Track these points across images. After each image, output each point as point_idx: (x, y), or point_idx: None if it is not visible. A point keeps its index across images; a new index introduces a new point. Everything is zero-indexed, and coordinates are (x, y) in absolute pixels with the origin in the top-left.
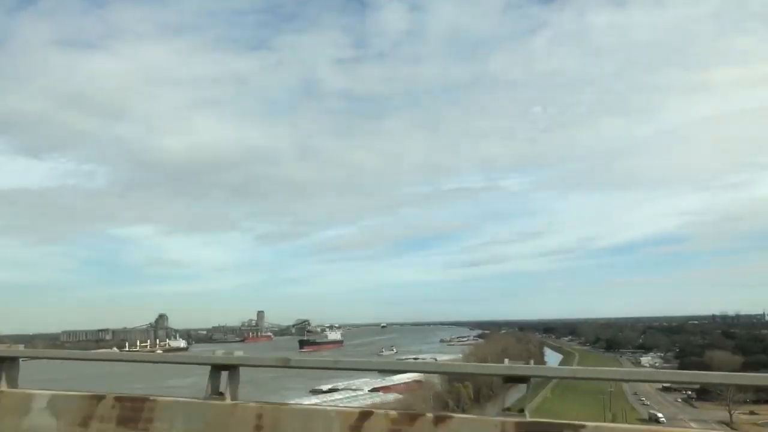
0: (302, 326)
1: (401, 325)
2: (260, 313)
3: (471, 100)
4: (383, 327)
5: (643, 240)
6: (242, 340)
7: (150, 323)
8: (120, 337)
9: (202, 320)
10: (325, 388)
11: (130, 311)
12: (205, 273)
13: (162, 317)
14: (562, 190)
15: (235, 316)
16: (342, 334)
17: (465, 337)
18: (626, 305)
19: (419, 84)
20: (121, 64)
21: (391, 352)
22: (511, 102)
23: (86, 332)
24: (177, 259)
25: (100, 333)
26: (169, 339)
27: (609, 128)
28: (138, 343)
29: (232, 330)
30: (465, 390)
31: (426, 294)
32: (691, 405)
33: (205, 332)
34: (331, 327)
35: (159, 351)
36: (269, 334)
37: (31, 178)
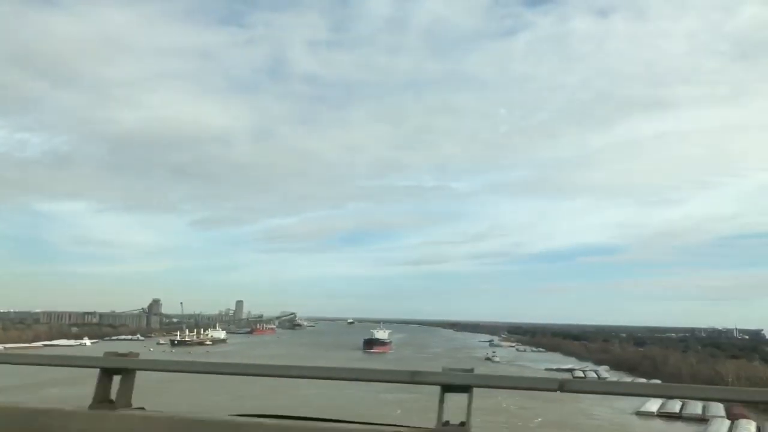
0: (290, 318)
1: (360, 321)
2: (239, 303)
3: (439, 97)
4: (350, 323)
5: (582, 248)
6: (250, 332)
7: (143, 308)
8: (108, 322)
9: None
10: (653, 408)
11: (68, 292)
12: (135, 256)
13: (156, 302)
14: (512, 195)
15: (200, 304)
16: (389, 334)
17: (494, 340)
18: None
19: (390, 75)
20: (79, 26)
21: (498, 359)
22: (477, 102)
23: (69, 314)
24: (106, 239)
25: (87, 316)
26: (211, 329)
27: (566, 137)
28: (187, 333)
29: (210, 318)
30: None
31: (367, 290)
32: None
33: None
34: (379, 323)
35: (208, 342)
36: (273, 326)
37: None
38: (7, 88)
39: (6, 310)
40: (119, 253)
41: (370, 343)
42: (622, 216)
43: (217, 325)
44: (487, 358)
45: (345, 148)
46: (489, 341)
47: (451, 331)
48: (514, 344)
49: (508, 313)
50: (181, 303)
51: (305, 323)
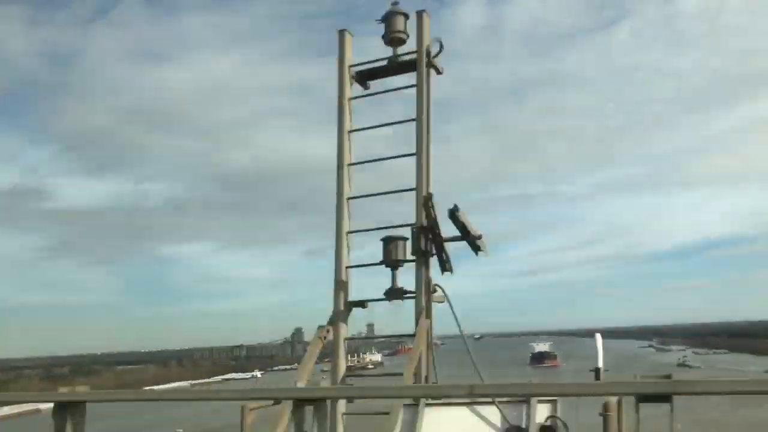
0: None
1: (494, 336)
2: (370, 326)
3: (541, 99)
4: (477, 338)
5: (709, 242)
6: (393, 353)
7: (285, 338)
8: (255, 354)
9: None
10: None
11: (199, 328)
12: (254, 289)
13: (298, 331)
14: (625, 193)
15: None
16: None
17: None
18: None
19: (488, 84)
20: (188, 74)
21: (698, 364)
22: (583, 100)
23: (219, 349)
24: (225, 276)
25: (235, 350)
26: (369, 352)
27: (683, 125)
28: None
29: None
30: None
31: (481, 304)
32: None
33: None
34: (538, 336)
35: (370, 366)
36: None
37: (88, 197)
38: (129, 142)
39: (146, 350)
40: (238, 288)
41: (540, 358)
42: (750, 204)
43: (373, 348)
44: (681, 364)
45: (446, 163)
46: (649, 345)
47: (588, 339)
48: (682, 348)
49: (636, 317)
50: (303, 330)
51: (438, 341)
